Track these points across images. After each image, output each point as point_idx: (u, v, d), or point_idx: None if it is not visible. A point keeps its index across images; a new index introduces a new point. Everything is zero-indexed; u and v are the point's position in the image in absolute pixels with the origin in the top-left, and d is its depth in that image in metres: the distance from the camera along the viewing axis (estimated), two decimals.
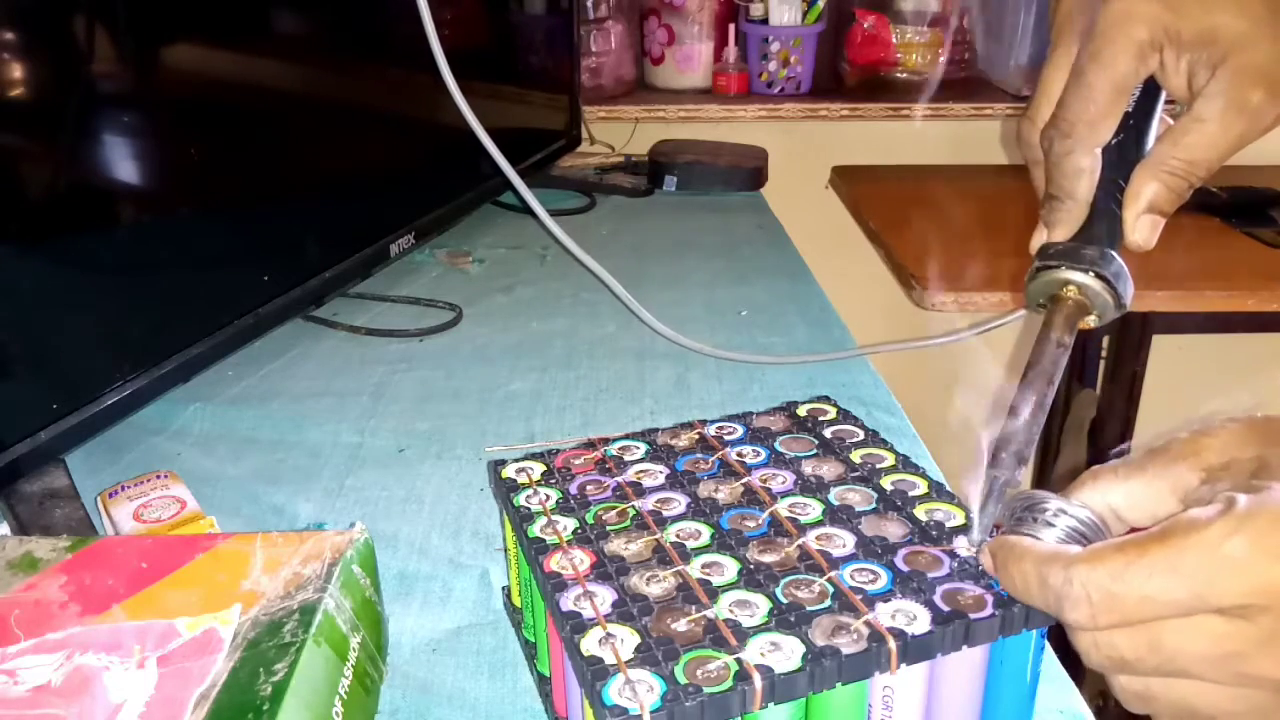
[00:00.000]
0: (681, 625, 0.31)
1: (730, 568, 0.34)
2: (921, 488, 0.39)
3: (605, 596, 0.33)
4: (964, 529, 0.35)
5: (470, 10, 0.97)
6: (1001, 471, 0.35)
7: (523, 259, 0.95)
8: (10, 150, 0.49)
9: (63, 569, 0.38)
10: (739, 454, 0.41)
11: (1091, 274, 0.39)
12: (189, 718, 0.31)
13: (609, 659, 0.30)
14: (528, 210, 0.73)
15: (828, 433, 0.43)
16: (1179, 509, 0.33)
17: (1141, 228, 0.40)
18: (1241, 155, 0.53)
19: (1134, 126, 0.41)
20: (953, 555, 0.34)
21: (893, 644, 0.30)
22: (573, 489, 0.40)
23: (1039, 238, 0.42)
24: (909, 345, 0.69)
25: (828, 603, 0.32)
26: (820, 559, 0.34)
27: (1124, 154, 0.41)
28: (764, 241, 1.01)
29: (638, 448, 0.43)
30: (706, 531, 0.36)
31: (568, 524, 0.37)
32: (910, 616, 0.31)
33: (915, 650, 0.30)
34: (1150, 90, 0.41)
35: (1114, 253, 0.40)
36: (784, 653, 0.30)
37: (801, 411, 0.45)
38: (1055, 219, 0.41)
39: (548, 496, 0.39)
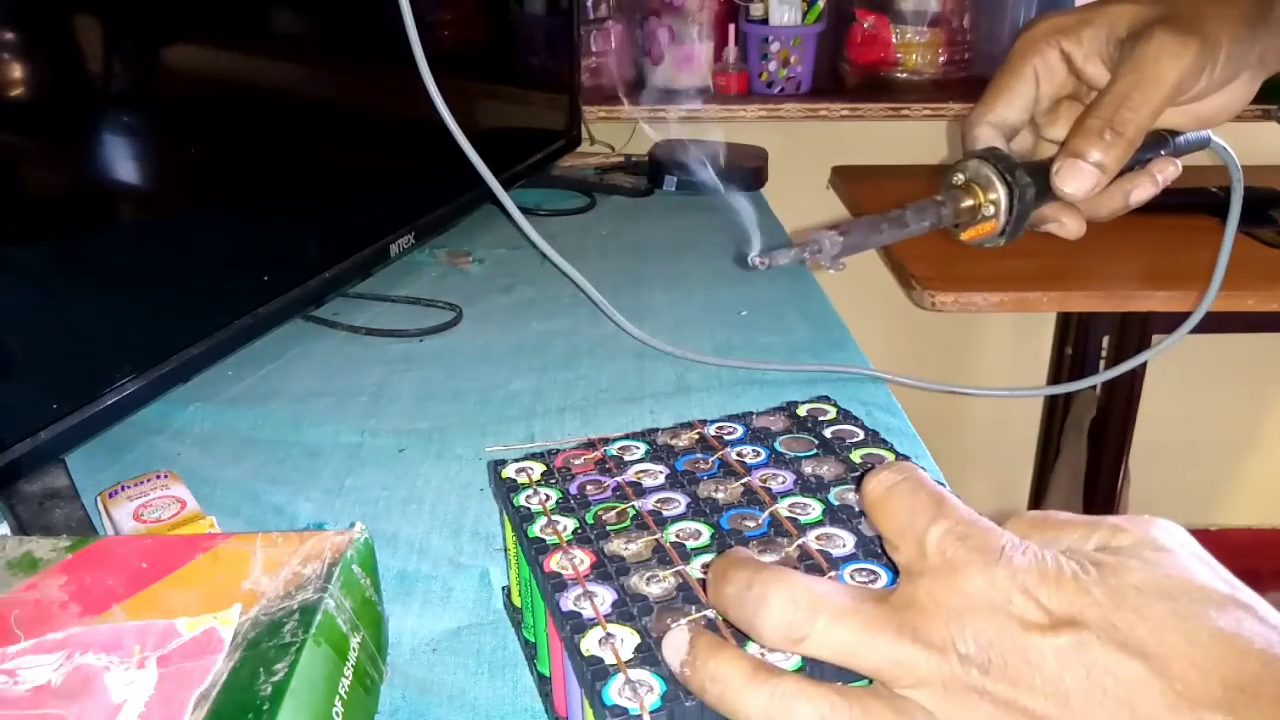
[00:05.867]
0: (683, 623, 0.31)
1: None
2: None
3: (605, 596, 0.33)
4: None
5: (470, 10, 0.97)
6: (823, 239, 0.40)
7: (523, 259, 0.95)
8: (10, 150, 0.49)
9: (63, 569, 0.38)
10: (739, 454, 0.41)
11: (1015, 203, 0.45)
12: (189, 718, 0.31)
13: (609, 659, 0.30)
14: (528, 210, 0.73)
15: (828, 433, 0.43)
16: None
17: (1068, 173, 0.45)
18: (1241, 155, 0.53)
19: None
20: None
21: None
22: (573, 489, 0.40)
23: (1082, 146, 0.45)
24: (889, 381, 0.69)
25: None
26: (820, 559, 0.34)
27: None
28: (764, 242, 1.01)
29: (638, 448, 0.43)
30: (706, 531, 0.36)
31: (568, 524, 0.37)
32: None
33: None
34: None
35: (1034, 203, 0.45)
36: (783, 652, 0.30)
37: (801, 411, 0.45)
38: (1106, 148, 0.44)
39: (548, 496, 0.39)
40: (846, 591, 0.29)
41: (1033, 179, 0.45)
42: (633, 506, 0.38)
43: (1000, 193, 0.45)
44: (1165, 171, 0.48)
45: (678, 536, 0.36)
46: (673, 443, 0.43)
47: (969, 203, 0.45)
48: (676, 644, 0.29)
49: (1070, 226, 0.48)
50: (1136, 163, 0.47)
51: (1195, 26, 0.43)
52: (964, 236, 0.46)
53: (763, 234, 0.42)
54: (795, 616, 0.28)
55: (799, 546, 0.35)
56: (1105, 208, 0.48)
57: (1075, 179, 0.44)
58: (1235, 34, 0.44)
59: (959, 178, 0.46)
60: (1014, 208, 0.44)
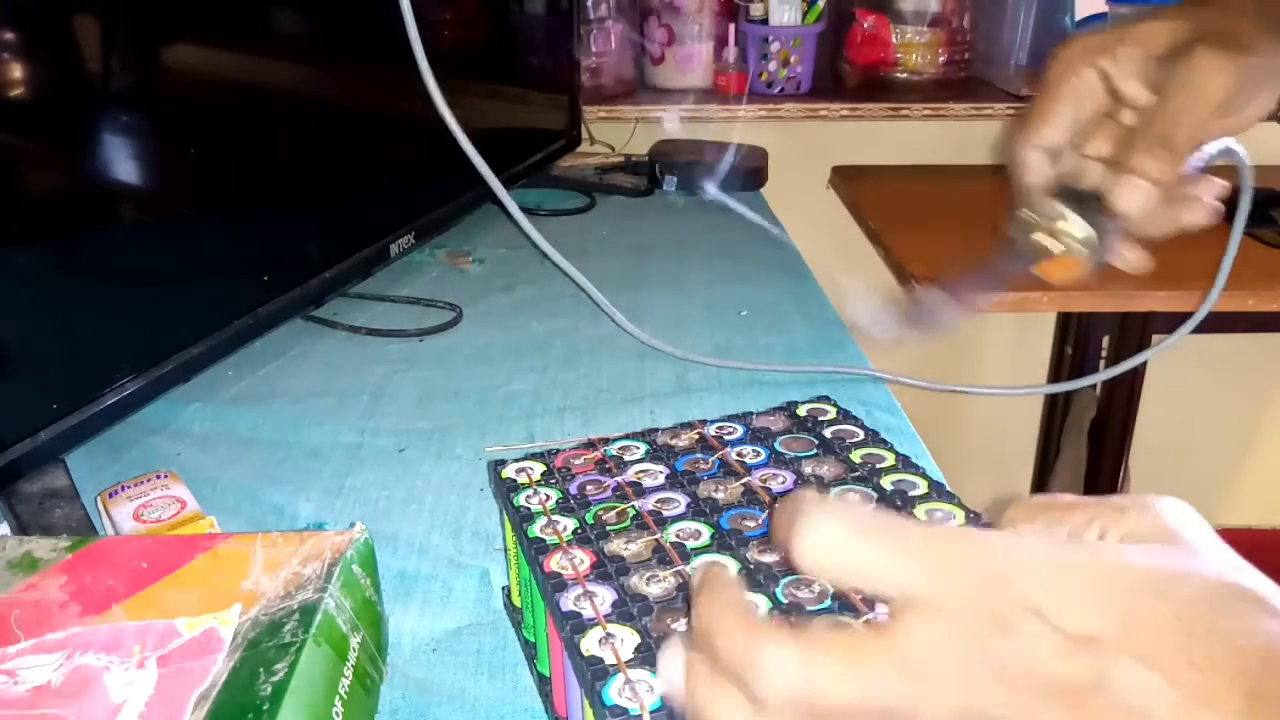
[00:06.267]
0: (681, 625, 0.31)
1: (730, 568, 0.34)
2: (922, 487, 0.39)
3: (605, 596, 0.33)
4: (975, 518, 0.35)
5: (470, 11, 0.97)
6: (935, 305, 0.43)
7: (523, 259, 0.95)
8: (10, 150, 0.49)
9: (63, 569, 0.38)
10: (739, 454, 0.41)
11: (1092, 234, 0.46)
12: (189, 718, 0.31)
13: (609, 659, 0.30)
14: (528, 210, 0.73)
15: (828, 433, 0.43)
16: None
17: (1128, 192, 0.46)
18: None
19: None
20: None
21: None
22: (573, 489, 0.40)
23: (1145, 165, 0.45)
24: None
25: (827, 603, 0.32)
26: None
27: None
28: (764, 241, 1.01)
29: (638, 448, 0.43)
30: (706, 531, 0.36)
31: (568, 524, 0.37)
32: None
33: None
34: None
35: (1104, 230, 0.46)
36: None
37: (801, 411, 0.45)
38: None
39: (548, 496, 0.39)
40: (838, 637, 0.26)
41: (1096, 207, 0.46)
42: (633, 506, 0.38)
43: (1075, 225, 0.46)
44: (1211, 190, 0.49)
45: (678, 536, 0.36)
46: (673, 443, 0.43)
47: (1043, 240, 0.47)
48: (672, 664, 0.27)
49: (1131, 258, 0.49)
50: None
51: (1235, 42, 0.44)
52: (1041, 271, 0.47)
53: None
54: (790, 681, 0.25)
55: None
56: (1156, 229, 0.49)
57: (1132, 195, 0.45)
58: (1267, 46, 0.45)
59: (1029, 215, 0.47)
60: (1092, 238, 0.46)
